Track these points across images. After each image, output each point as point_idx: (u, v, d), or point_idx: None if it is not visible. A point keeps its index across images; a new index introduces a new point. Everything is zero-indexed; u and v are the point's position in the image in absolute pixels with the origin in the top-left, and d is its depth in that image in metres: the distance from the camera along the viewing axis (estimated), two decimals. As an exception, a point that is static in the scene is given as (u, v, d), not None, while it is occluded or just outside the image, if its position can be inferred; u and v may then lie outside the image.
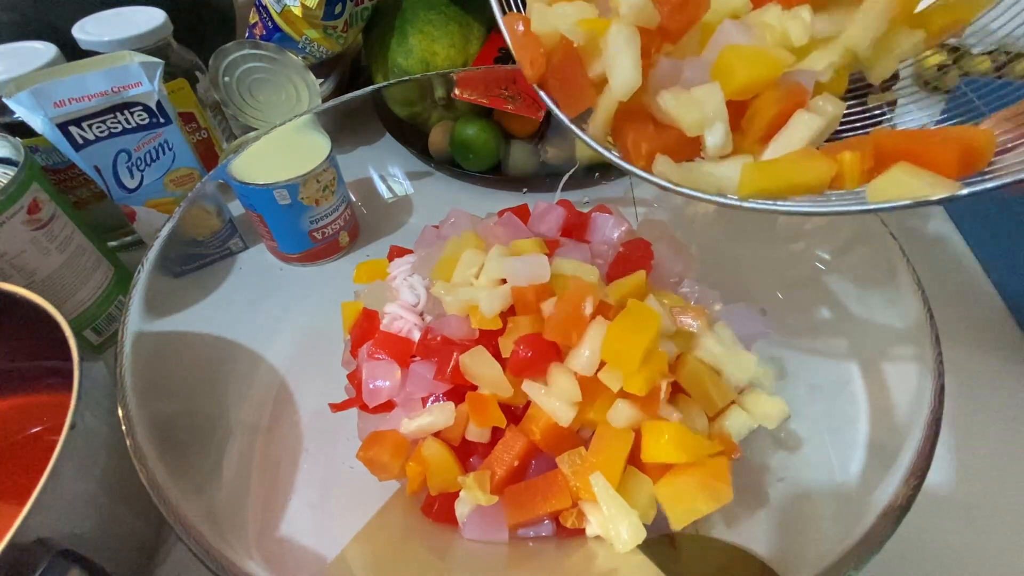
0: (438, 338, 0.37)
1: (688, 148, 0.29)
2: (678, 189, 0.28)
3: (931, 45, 0.29)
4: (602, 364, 0.32)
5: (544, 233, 0.43)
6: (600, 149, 0.31)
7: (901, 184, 0.24)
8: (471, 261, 0.38)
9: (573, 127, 0.31)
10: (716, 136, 0.27)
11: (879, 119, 0.30)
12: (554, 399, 0.33)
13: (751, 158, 0.28)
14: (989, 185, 0.22)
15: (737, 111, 0.28)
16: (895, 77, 0.31)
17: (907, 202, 0.23)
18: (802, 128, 0.26)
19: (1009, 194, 0.22)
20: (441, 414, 0.34)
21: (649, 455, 0.31)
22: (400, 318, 0.40)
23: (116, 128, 0.43)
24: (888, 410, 0.32)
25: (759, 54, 0.27)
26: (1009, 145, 0.23)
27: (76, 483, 0.28)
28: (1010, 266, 0.49)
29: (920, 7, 0.28)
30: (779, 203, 0.26)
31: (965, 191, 0.22)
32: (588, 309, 0.33)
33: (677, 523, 0.30)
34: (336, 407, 0.39)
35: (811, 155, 0.26)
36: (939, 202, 0.23)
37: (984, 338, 0.46)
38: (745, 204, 0.27)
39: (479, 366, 0.33)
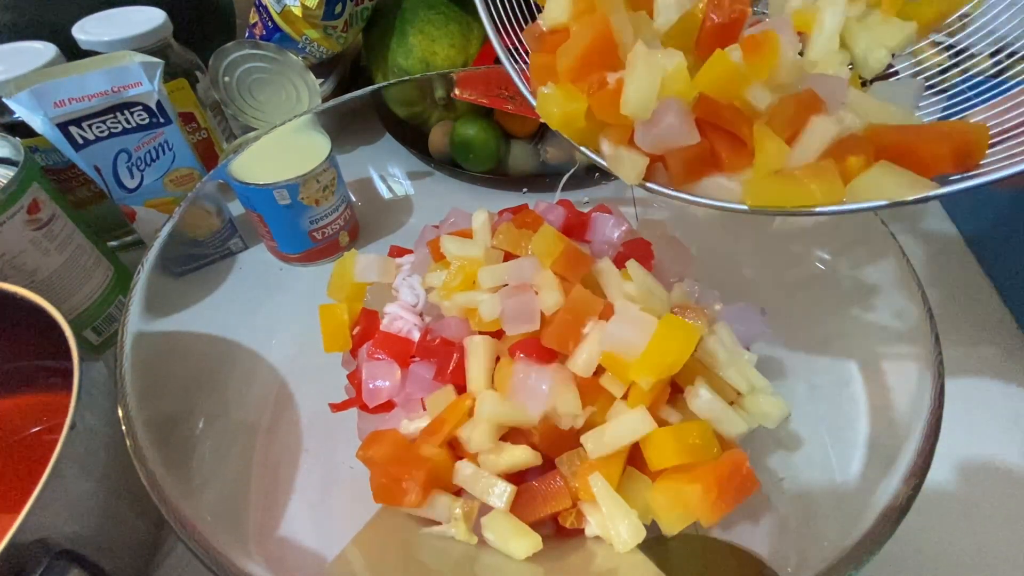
0: (437, 339, 0.37)
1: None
2: (670, 192, 0.28)
3: (924, 36, 0.29)
4: (602, 368, 0.32)
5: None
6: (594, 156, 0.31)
7: (878, 185, 0.24)
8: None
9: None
10: None
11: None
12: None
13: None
14: (962, 186, 0.22)
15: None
16: (895, 72, 0.31)
17: (882, 203, 0.23)
18: (817, 138, 0.26)
19: (998, 189, 0.22)
20: (441, 414, 0.34)
21: (657, 460, 0.31)
22: (400, 318, 0.40)
23: (116, 128, 0.43)
24: (888, 410, 0.32)
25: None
26: (996, 138, 0.23)
27: (76, 483, 0.28)
28: (1010, 266, 0.49)
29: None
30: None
31: (940, 191, 0.23)
32: (588, 328, 0.33)
33: (670, 528, 0.30)
34: (336, 407, 0.39)
35: (816, 175, 0.25)
36: (914, 202, 0.23)
37: (984, 338, 0.46)
38: (719, 204, 0.27)
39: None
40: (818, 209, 0.25)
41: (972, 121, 0.25)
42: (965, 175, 0.23)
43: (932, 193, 0.23)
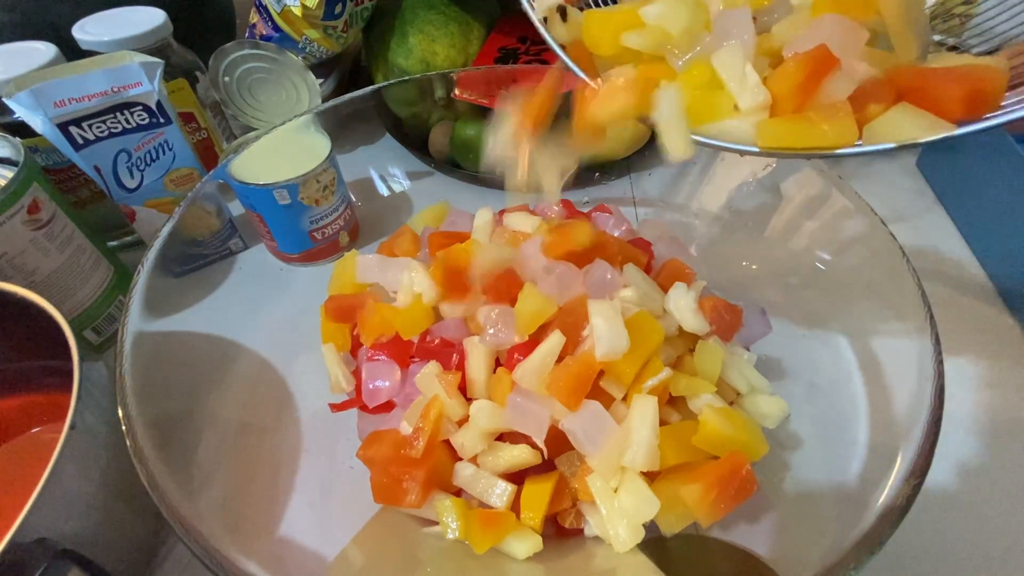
0: (437, 340, 0.37)
1: None
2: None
3: None
4: (602, 372, 0.32)
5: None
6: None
7: (897, 126, 0.24)
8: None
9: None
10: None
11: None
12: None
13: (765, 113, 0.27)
14: (978, 126, 0.22)
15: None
16: None
17: (892, 145, 0.23)
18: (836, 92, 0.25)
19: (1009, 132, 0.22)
20: (441, 414, 0.34)
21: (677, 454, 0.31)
22: (400, 318, 0.40)
23: (116, 128, 0.43)
24: (888, 410, 0.32)
25: None
26: (1016, 81, 0.23)
27: (76, 483, 0.28)
28: (1010, 265, 0.49)
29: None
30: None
31: (956, 132, 0.22)
32: (587, 331, 0.33)
33: (668, 529, 0.30)
34: (336, 407, 0.39)
35: (829, 115, 0.25)
36: (929, 143, 0.23)
37: (984, 338, 0.46)
38: (729, 145, 0.27)
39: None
40: (831, 152, 0.25)
41: (990, 60, 0.25)
42: (982, 117, 0.23)
43: (949, 134, 0.22)
